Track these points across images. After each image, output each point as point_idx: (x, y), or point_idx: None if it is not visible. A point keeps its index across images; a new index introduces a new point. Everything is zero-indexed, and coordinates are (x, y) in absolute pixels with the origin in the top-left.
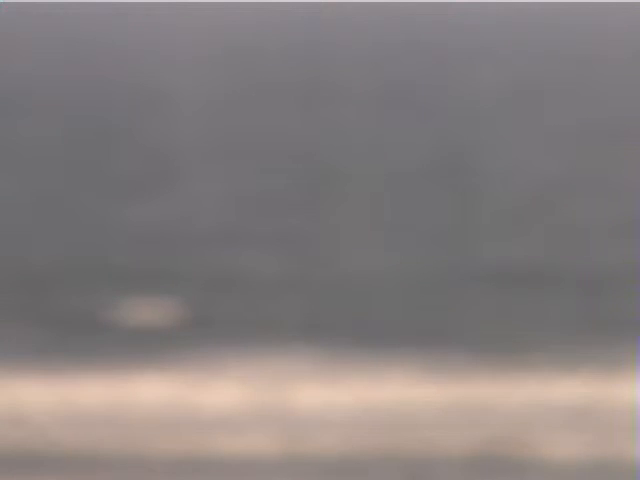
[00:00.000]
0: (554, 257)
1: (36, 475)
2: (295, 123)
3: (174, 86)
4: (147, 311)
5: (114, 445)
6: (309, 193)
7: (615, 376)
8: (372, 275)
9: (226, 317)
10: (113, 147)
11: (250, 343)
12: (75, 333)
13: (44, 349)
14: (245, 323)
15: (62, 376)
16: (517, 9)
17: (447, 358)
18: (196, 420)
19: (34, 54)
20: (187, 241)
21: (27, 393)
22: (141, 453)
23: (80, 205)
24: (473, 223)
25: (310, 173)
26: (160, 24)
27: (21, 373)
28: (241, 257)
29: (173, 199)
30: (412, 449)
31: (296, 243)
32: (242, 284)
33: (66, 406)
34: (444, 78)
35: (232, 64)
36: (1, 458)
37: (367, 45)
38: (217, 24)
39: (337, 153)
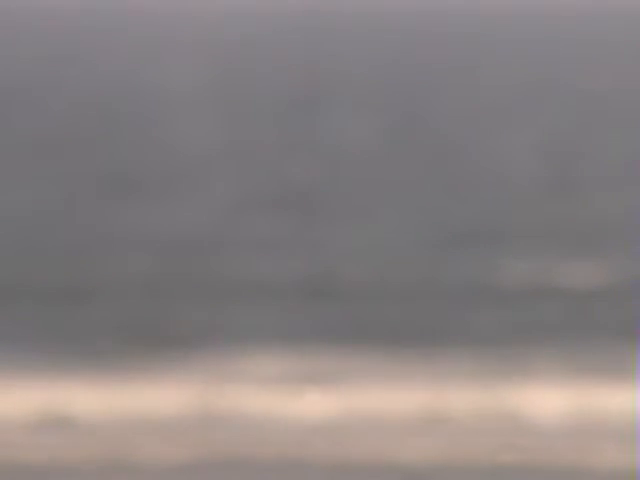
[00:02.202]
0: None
1: None
2: (296, 129)
3: (175, 90)
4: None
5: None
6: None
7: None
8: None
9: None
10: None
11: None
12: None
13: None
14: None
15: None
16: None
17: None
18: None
19: (34, 53)
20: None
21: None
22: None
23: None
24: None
25: (311, 174)
26: (159, 30)
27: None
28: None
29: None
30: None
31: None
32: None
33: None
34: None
35: (231, 67)
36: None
37: (365, 54)
38: (216, 30)
39: (339, 157)
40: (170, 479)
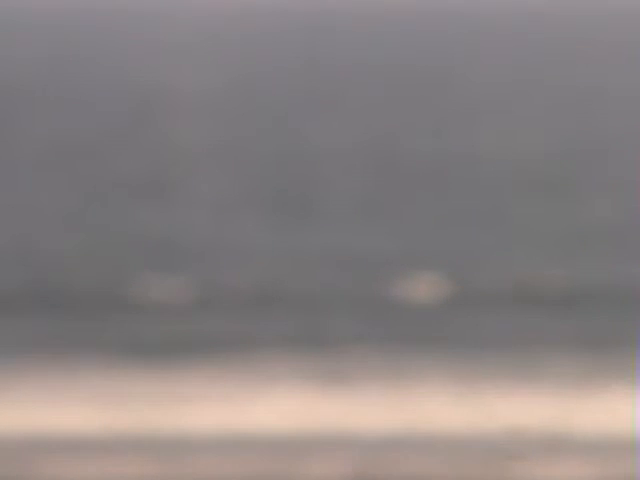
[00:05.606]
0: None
1: None
2: (297, 128)
3: (176, 90)
4: None
5: None
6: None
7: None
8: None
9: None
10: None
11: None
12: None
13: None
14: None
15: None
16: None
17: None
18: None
19: (34, 52)
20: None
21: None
22: None
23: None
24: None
25: (309, 176)
26: (160, 31)
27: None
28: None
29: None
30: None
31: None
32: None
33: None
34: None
35: (232, 67)
36: None
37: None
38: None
39: (339, 158)
40: None
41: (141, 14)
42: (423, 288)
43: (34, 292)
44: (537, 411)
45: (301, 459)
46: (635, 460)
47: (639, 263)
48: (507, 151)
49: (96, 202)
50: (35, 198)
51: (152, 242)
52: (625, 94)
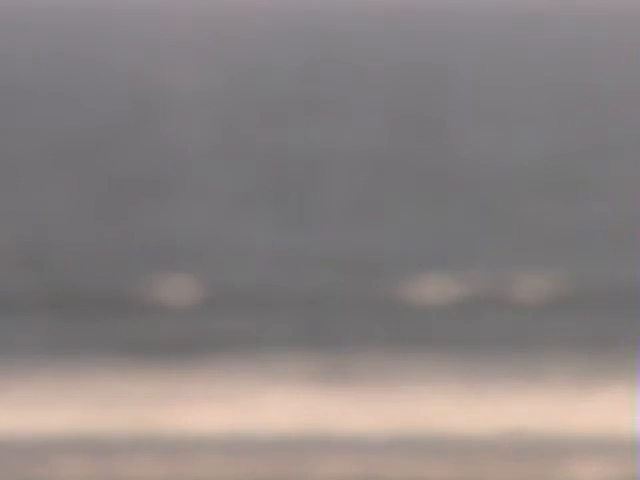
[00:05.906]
0: None
1: None
2: (297, 128)
3: (176, 93)
4: None
5: None
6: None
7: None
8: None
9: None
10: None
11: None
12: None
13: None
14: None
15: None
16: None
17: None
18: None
19: (34, 52)
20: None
21: None
22: None
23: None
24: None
25: (308, 177)
26: (160, 30)
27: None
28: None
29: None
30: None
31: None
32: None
33: None
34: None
35: (232, 67)
36: None
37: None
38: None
39: (339, 158)
40: None
41: (141, 13)
42: (423, 288)
43: (34, 292)
44: (537, 411)
45: (302, 460)
46: (636, 460)
47: (639, 263)
48: (507, 151)
49: (96, 202)
50: (35, 198)
51: (152, 242)
52: (625, 94)
